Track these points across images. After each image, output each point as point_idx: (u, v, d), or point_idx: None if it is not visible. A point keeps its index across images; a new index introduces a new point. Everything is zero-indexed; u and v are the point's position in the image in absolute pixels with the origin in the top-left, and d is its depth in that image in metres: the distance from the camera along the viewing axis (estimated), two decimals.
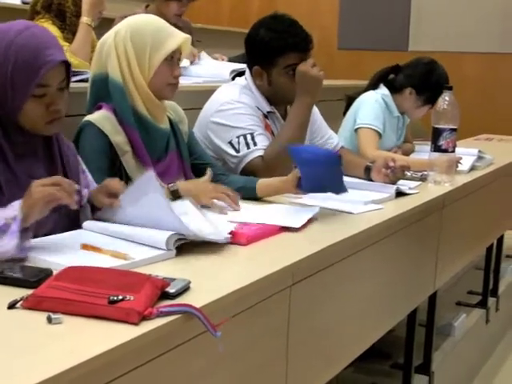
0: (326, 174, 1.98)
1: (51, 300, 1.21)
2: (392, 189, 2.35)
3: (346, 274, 1.94)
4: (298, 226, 1.84)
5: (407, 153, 3.28)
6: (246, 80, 2.59)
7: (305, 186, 2.03)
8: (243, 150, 2.41)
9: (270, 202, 2.16)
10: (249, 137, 2.43)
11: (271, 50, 2.47)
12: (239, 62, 3.40)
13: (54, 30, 3.02)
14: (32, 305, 1.21)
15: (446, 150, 2.61)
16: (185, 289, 1.32)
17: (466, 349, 3.38)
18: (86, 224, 1.70)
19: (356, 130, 3.09)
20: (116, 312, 1.18)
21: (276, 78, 2.51)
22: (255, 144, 2.42)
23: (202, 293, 1.33)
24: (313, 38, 2.51)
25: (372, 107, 3.11)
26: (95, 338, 1.14)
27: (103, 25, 3.13)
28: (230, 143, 2.44)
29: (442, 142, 2.61)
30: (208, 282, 1.43)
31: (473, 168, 2.98)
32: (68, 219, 1.71)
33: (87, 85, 2.14)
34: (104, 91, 2.05)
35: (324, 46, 5.56)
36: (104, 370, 1.09)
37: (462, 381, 3.32)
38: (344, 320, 1.98)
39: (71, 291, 1.22)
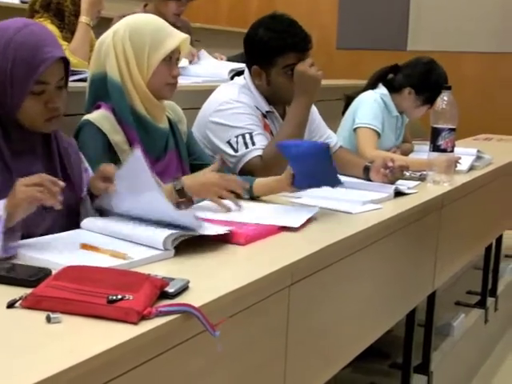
0: (317, 166, 1.98)
1: (50, 299, 1.21)
2: (391, 189, 2.35)
3: (344, 273, 1.94)
4: (296, 225, 1.84)
5: (406, 153, 3.28)
6: (244, 80, 2.59)
7: (299, 182, 2.05)
8: (242, 150, 2.41)
9: (269, 202, 2.16)
10: (247, 136, 2.43)
11: (270, 49, 2.47)
12: (238, 62, 3.40)
13: (52, 29, 3.01)
14: (31, 304, 1.21)
15: (444, 150, 2.61)
16: (184, 288, 1.32)
17: (464, 349, 3.38)
18: (85, 223, 1.70)
19: (355, 129, 3.08)
20: (115, 311, 1.18)
21: (275, 78, 2.51)
22: (254, 144, 2.42)
23: (200, 292, 1.33)
24: (312, 37, 2.52)
25: (371, 107, 3.11)
26: (94, 337, 1.14)
27: (102, 24, 3.13)
28: (229, 143, 2.44)
29: (441, 142, 2.61)
30: (207, 281, 1.43)
31: (472, 168, 2.98)
32: (67, 214, 1.71)
33: (86, 84, 2.14)
34: (103, 90, 2.05)
35: (323, 45, 5.56)
36: (103, 369, 1.08)
37: (460, 381, 3.32)
38: (343, 320, 1.98)
39: (70, 291, 1.22)
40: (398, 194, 2.36)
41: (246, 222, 1.82)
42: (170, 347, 1.24)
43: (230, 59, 3.70)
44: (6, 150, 1.64)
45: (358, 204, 2.14)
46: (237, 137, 2.43)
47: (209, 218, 1.83)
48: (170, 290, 1.29)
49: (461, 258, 3.06)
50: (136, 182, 1.65)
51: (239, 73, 2.85)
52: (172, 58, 2.06)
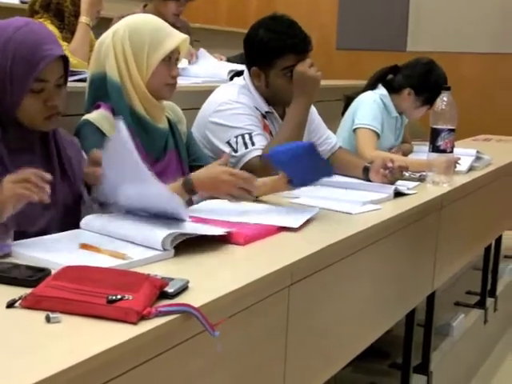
0: (308, 164, 2.02)
1: (50, 299, 1.21)
2: (390, 189, 2.35)
3: (344, 274, 1.94)
4: (296, 226, 1.84)
5: (405, 153, 3.28)
6: (244, 80, 2.59)
7: (295, 181, 2.08)
8: (241, 150, 2.41)
9: (268, 202, 2.16)
10: (247, 137, 2.43)
11: (270, 50, 2.47)
12: (237, 62, 3.41)
13: (52, 30, 3.01)
14: (30, 304, 1.21)
15: (444, 151, 2.61)
16: (183, 288, 1.32)
17: (464, 349, 3.38)
18: (84, 223, 1.70)
19: (354, 130, 3.08)
20: (114, 311, 1.18)
21: (273, 80, 2.51)
22: (253, 144, 2.42)
23: (200, 292, 1.33)
24: (312, 39, 2.52)
25: (370, 107, 3.11)
26: (94, 337, 1.14)
27: (101, 24, 3.13)
28: (228, 143, 2.44)
29: (441, 143, 2.61)
30: (206, 281, 1.43)
31: (471, 168, 2.98)
32: (65, 213, 1.70)
33: (85, 84, 2.14)
34: (102, 91, 2.05)
35: (323, 45, 5.56)
36: (102, 369, 1.08)
37: (460, 381, 3.32)
38: (342, 320, 1.98)
39: (70, 291, 1.22)
40: (398, 194, 2.36)
41: (246, 222, 1.82)
42: (170, 347, 1.24)
43: (229, 60, 3.70)
44: (4, 149, 1.64)
45: (357, 204, 2.14)
46: (236, 137, 2.43)
47: (208, 218, 1.83)
48: (170, 290, 1.29)
49: (460, 259, 3.06)
50: (121, 157, 1.65)
51: (239, 73, 2.85)
52: (171, 59, 2.06)
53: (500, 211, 3.65)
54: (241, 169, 2.40)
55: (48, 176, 1.51)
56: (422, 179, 2.64)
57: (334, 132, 2.98)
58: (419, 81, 3.16)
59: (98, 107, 2.05)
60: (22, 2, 4.11)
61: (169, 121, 2.19)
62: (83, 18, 3.16)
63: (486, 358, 3.59)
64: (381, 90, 3.20)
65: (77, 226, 1.70)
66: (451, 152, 2.63)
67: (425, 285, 2.62)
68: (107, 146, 1.70)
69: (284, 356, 1.65)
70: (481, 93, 5.67)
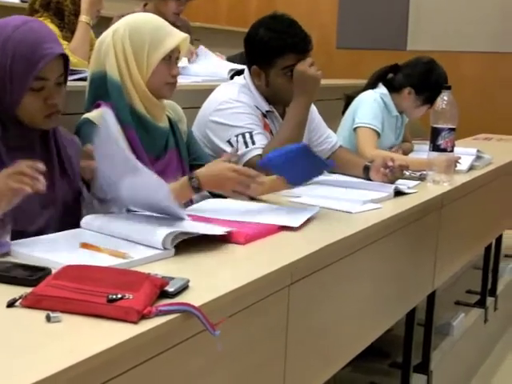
0: (304, 164, 2.04)
1: (50, 298, 1.21)
2: (390, 188, 2.35)
3: (344, 273, 1.94)
4: (296, 225, 1.84)
5: (406, 152, 3.28)
6: (244, 79, 2.59)
7: (294, 181, 2.11)
8: (242, 149, 2.41)
9: (269, 202, 2.16)
10: (247, 136, 2.43)
11: (270, 50, 2.47)
12: (237, 61, 3.41)
13: (52, 29, 3.00)
14: (31, 303, 1.21)
15: (444, 150, 2.61)
16: (184, 288, 1.32)
17: (464, 348, 3.38)
18: (85, 222, 1.70)
19: (355, 129, 3.08)
20: (115, 311, 1.18)
21: (274, 79, 2.51)
22: (254, 143, 2.42)
23: (200, 292, 1.33)
24: (312, 38, 2.51)
25: (371, 106, 3.11)
26: (94, 336, 1.14)
27: (101, 23, 3.13)
28: (229, 142, 2.43)
29: (441, 142, 2.61)
30: (207, 280, 1.43)
31: (471, 167, 2.98)
32: (64, 211, 1.70)
33: (86, 83, 2.14)
34: (102, 90, 2.05)
35: (323, 45, 5.56)
36: (103, 368, 1.08)
37: (460, 380, 3.32)
38: (342, 319, 1.98)
39: (70, 290, 1.22)
40: (398, 193, 2.36)
41: (246, 222, 1.82)
42: (170, 346, 1.24)
43: (229, 59, 3.70)
44: (2, 147, 1.64)
45: (357, 203, 2.14)
46: (237, 136, 2.43)
47: (208, 218, 1.83)
48: (170, 289, 1.29)
49: (460, 258, 3.06)
50: (110, 146, 1.65)
51: (239, 72, 2.85)
52: (172, 58, 2.06)
53: (500, 210, 3.65)
54: None
55: (42, 166, 1.50)
56: (422, 178, 2.63)
57: (335, 131, 2.98)
58: (420, 80, 3.16)
59: (98, 106, 2.04)
60: (22, 1, 4.12)
61: (169, 120, 2.19)
62: (83, 17, 3.16)
63: (486, 357, 3.59)
64: (381, 89, 3.20)
65: (76, 225, 1.70)
66: (451, 151, 2.63)
67: (425, 284, 2.62)
68: (96, 137, 1.69)
69: (284, 355, 1.65)
70: (481, 92, 5.67)
